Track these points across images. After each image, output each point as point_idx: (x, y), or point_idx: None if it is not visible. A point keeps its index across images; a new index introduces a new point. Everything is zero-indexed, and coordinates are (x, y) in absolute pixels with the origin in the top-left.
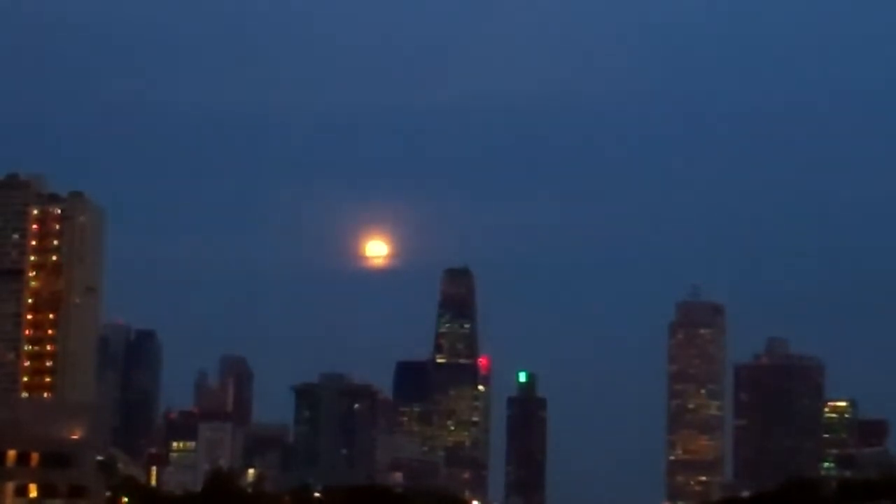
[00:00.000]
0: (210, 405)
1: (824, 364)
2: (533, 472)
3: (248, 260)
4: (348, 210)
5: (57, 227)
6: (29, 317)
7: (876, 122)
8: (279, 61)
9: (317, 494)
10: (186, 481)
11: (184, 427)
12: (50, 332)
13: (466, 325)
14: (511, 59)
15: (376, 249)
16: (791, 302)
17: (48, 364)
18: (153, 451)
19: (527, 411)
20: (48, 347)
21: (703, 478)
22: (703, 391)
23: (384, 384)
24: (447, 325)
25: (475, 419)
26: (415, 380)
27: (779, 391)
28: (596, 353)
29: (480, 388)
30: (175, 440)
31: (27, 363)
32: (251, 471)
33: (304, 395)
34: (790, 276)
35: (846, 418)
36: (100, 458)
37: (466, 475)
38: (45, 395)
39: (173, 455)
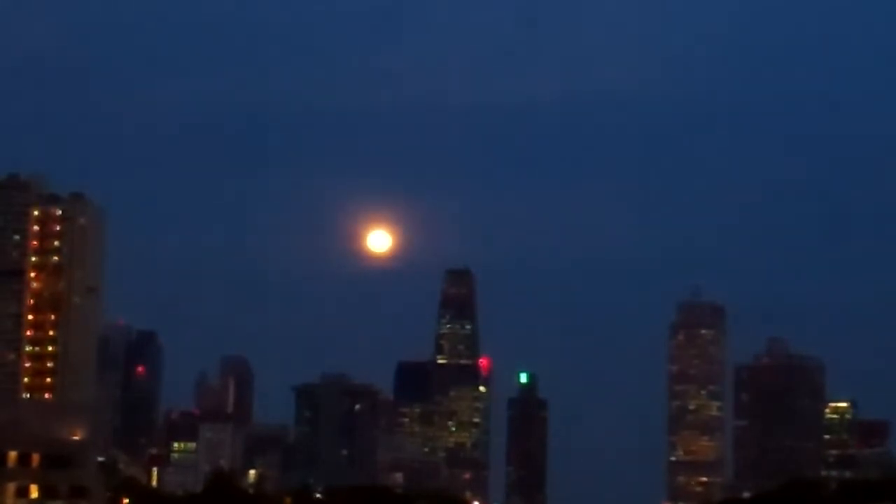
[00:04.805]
0: (211, 405)
1: (825, 364)
2: (534, 472)
3: (249, 260)
4: (349, 210)
5: (58, 228)
6: (30, 317)
7: (879, 124)
8: (279, 60)
9: (317, 495)
10: (187, 482)
11: (184, 427)
12: (51, 332)
13: (467, 326)
14: (511, 61)
15: (378, 247)
16: (792, 302)
17: (49, 365)
18: (154, 451)
19: (527, 412)
20: (49, 348)
21: (704, 478)
22: (703, 392)
23: (385, 384)
24: (448, 325)
25: (476, 420)
26: (416, 380)
27: (779, 392)
28: (596, 353)
29: (481, 388)
30: (176, 441)
31: (28, 364)
32: (252, 471)
33: (305, 396)
34: (791, 276)
35: (847, 419)
36: (101, 458)
37: (467, 476)
38: (46, 395)
39: (174, 456)
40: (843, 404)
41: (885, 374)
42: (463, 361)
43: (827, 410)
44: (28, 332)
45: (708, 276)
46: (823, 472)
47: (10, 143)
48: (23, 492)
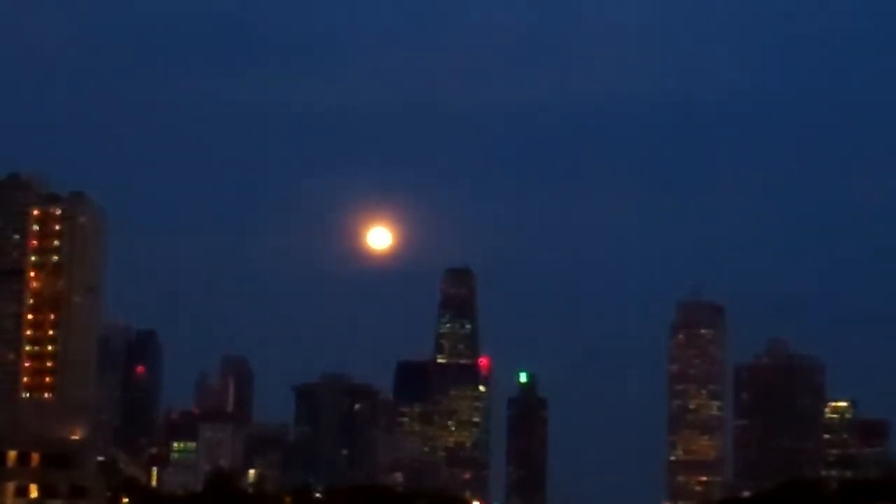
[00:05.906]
0: (211, 405)
1: (825, 364)
2: (533, 472)
3: (249, 260)
4: (349, 210)
5: (57, 227)
6: (30, 317)
7: (879, 123)
8: (280, 60)
9: (317, 495)
10: (187, 482)
11: (184, 427)
12: (50, 332)
13: (467, 325)
14: (511, 61)
15: (378, 244)
16: (792, 302)
17: (49, 364)
18: (154, 451)
19: (527, 411)
20: (49, 348)
21: (704, 478)
22: (703, 391)
23: (385, 384)
24: (448, 325)
25: (476, 419)
26: (415, 380)
27: (779, 391)
28: (596, 353)
29: (481, 388)
30: (176, 440)
31: (28, 363)
32: (252, 471)
33: (305, 395)
34: (791, 276)
35: (847, 418)
36: (101, 458)
37: (467, 475)
38: (46, 395)
39: (174, 455)
40: (843, 404)
41: (885, 374)
42: (463, 361)
43: (827, 410)
44: (28, 332)
45: (708, 276)
46: (823, 472)
47: (10, 143)
48: (22, 491)
